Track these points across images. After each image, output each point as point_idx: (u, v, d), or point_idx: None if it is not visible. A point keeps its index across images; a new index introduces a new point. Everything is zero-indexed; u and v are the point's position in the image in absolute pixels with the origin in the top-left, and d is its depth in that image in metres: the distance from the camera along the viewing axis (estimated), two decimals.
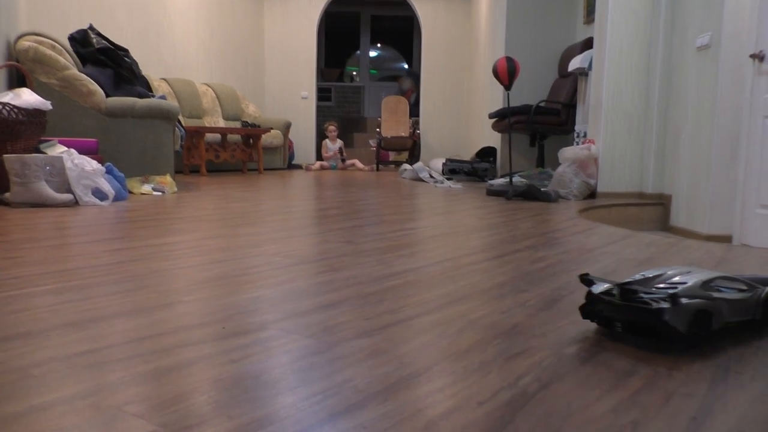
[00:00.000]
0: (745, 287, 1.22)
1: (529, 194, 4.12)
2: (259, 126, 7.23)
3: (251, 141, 6.90)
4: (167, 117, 4.41)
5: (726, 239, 3.59)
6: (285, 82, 9.26)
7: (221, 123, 7.48)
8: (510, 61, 4.29)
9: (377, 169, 8.61)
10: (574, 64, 5.18)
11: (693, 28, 3.91)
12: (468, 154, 8.53)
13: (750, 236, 3.43)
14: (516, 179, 4.96)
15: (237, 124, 7.62)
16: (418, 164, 6.44)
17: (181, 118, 6.40)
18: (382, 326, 1.17)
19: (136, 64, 4.62)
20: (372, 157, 9.06)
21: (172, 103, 4.54)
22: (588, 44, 5.15)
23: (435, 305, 1.34)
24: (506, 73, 4.24)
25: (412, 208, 3.65)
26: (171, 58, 7.24)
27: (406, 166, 6.98)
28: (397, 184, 5.72)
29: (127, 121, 4.19)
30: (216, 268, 1.69)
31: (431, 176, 6.12)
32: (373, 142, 9.03)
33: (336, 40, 12.20)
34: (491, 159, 6.63)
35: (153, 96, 4.58)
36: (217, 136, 6.62)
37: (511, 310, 1.31)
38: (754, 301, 1.20)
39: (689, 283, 1.13)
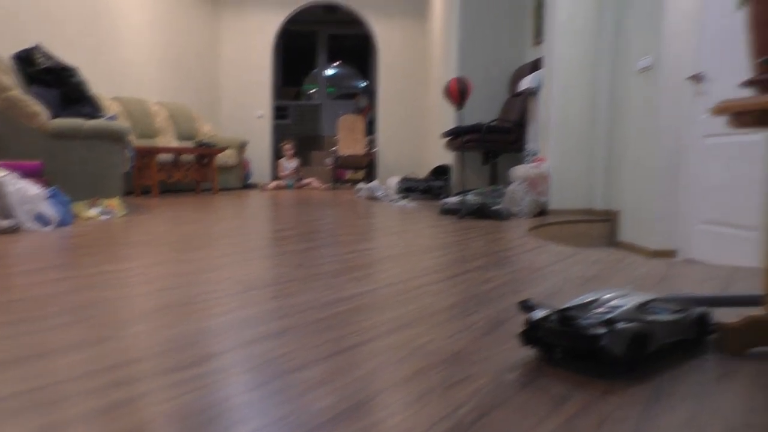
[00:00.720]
0: (678, 308, 1.26)
1: (481, 212, 4.18)
2: (213, 145, 7.14)
3: (205, 161, 6.81)
4: (116, 138, 4.32)
5: (671, 254, 3.70)
6: (241, 101, 9.20)
7: (175, 143, 7.36)
8: (461, 82, 4.36)
9: (333, 188, 8.60)
10: (524, 84, 5.30)
11: (635, 50, 4.06)
12: (424, 172, 8.60)
13: (693, 251, 3.55)
14: (470, 197, 5.02)
15: (191, 144, 7.51)
16: (374, 183, 6.46)
17: (130, 138, 6.28)
18: (325, 356, 1.16)
19: (85, 83, 4.52)
20: (329, 175, 9.05)
21: (121, 123, 4.45)
22: (537, 65, 5.28)
23: (381, 331, 1.34)
24: (457, 94, 4.31)
25: (367, 228, 3.66)
26: (123, 77, 7.11)
27: (362, 184, 6.99)
28: (353, 203, 5.73)
29: (74, 143, 4.09)
30: (161, 297, 1.66)
31: (386, 195, 6.14)
32: (329, 161, 9.03)
33: (293, 59, 12.20)
34: (446, 177, 6.70)
35: (103, 116, 4.48)
36: (170, 156, 6.51)
37: (457, 335, 1.32)
38: (687, 321, 1.24)
39: (625, 307, 1.16)
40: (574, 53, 4.50)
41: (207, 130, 8.03)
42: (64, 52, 5.13)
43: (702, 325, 1.27)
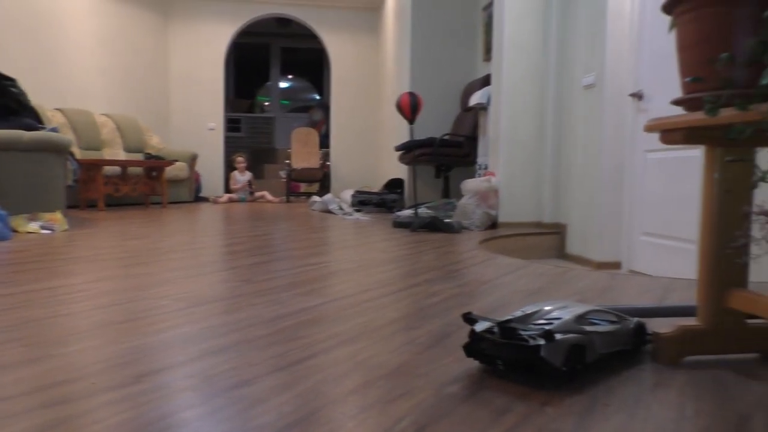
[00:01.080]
0: (615, 319, 1.29)
1: (433, 226, 4.21)
2: (163, 158, 7.00)
3: (154, 174, 6.67)
4: (58, 150, 4.18)
5: (616, 266, 3.81)
6: (191, 113, 9.06)
7: (122, 155, 7.19)
8: (413, 96, 4.40)
9: (287, 201, 8.54)
10: (475, 99, 5.40)
11: (580, 67, 4.18)
12: (378, 185, 8.63)
13: (636, 262, 3.66)
14: (422, 210, 5.06)
15: (139, 156, 7.35)
16: (328, 196, 6.44)
17: (75, 150, 6.10)
18: (269, 371, 1.14)
19: (24, 94, 4.37)
20: (283, 188, 8.99)
21: (63, 135, 4.32)
22: (487, 81, 5.38)
23: (324, 347, 1.33)
24: (409, 108, 4.35)
25: (319, 241, 3.64)
26: (67, 87, 6.92)
27: (316, 198, 6.97)
28: (307, 217, 5.69)
29: (12, 155, 3.94)
30: (104, 314, 1.61)
31: (340, 208, 6.14)
32: (283, 174, 8.96)
33: (246, 71, 12.11)
34: (399, 190, 6.74)
35: (44, 128, 4.34)
36: (117, 169, 6.35)
37: (400, 349, 1.32)
38: (624, 332, 1.27)
39: (564, 319, 1.19)
40: (522, 70, 4.61)
41: (156, 142, 7.87)
42: (3, 62, 4.97)
43: (638, 335, 1.31)
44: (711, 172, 1.22)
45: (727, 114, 0.99)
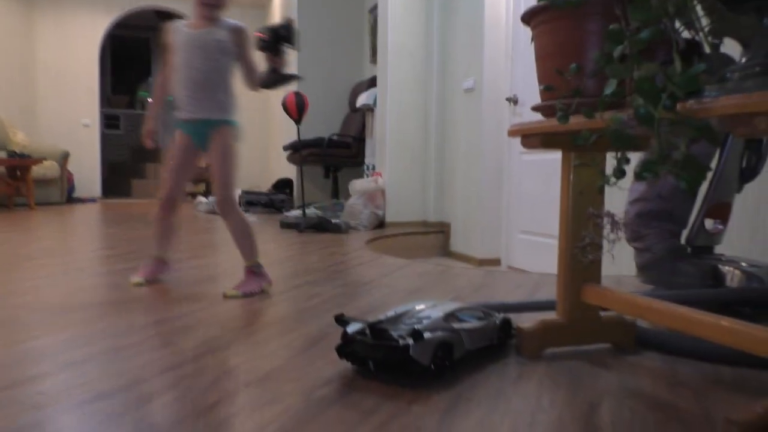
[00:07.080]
0: (483, 315, 1.35)
1: (321, 226, 4.20)
2: (29, 156, 6.47)
3: (19, 173, 6.15)
4: None
5: (496, 262, 3.98)
6: (63, 109, 8.43)
7: None
8: (298, 96, 4.36)
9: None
10: (362, 100, 5.44)
11: (460, 72, 4.33)
12: (267, 185, 8.48)
13: (514, 259, 3.85)
14: (311, 211, 5.03)
15: (2, 154, 6.74)
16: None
17: None
18: (123, 386, 1.08)
19: None
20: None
21: None
22: (374, 82, 5.44)
23: (191, 355, 1.28)
24: (295, 108, 4.31)
25: (201, 243, 3.51)
26: None
27: (202, 198, 6.73)
28: (191, 218, 5.48)
29: None
30: None
31: None
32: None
33: (125, 66, 11.48)
34: (288, 191, 6.66)
35: None
36: None
37: (273, 354, 1.30)
38: (490, 327, 1.33)
39: (433, 317, 1.22)
40: (406, 73, 4.70)
41: (21, 138, 7.26)
42: None
43: (504, 330, 1.37)
44: (566, 175, 1.30)
45: (575, 121, 1.06)
